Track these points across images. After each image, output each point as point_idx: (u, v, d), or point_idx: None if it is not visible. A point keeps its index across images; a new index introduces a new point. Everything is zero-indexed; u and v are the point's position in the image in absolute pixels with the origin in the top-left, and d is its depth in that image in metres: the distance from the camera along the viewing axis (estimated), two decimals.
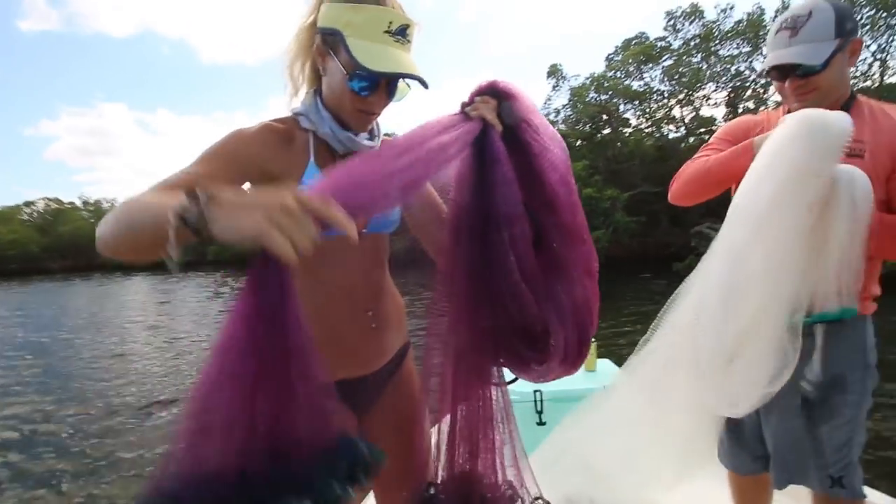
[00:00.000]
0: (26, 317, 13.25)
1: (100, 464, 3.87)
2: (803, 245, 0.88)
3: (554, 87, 18.78)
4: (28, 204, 45.34)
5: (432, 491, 0.84)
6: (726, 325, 0.91)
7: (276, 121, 0.91)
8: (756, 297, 0.89)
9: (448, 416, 0.85)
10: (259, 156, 0.84)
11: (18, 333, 10.47)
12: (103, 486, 3.50)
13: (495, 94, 0.86)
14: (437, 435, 0.86)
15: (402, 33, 0.85)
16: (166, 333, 9.29)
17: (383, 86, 0.87)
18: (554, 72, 18.71)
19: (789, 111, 1.17)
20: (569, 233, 0.84)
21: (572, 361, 0.84)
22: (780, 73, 1.12)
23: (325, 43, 0.86)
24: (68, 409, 5.28)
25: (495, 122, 0.83)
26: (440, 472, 0.86)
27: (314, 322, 0.73)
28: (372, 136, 0.97)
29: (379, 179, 0.64)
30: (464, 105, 0.85)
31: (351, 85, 0.85)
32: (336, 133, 0.90)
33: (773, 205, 0.89)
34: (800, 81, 1.09)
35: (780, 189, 0.88)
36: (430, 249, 0.99)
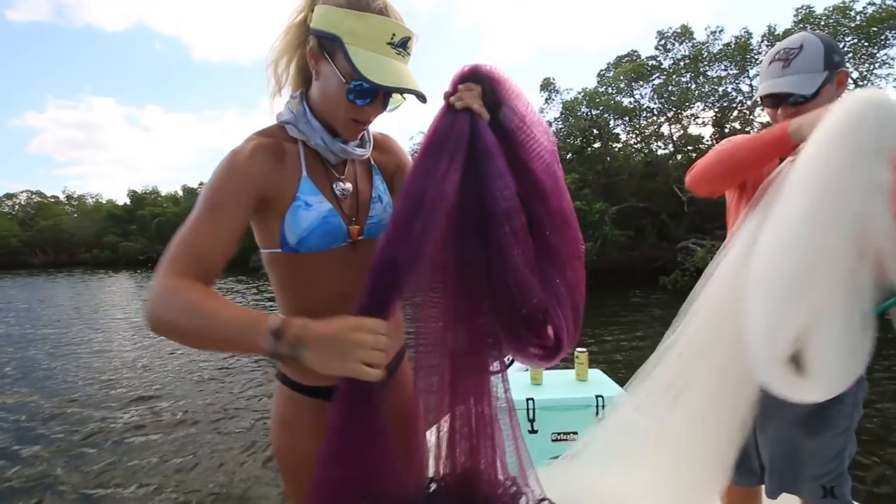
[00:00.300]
0: (9, 310, 12.93)
1: (81, 455, 3.83)
2: (858, 227, 0.84)
3: (546, 101, 19.02)
4: (9, 196, 44.35)
5: (433, 487, 0.86)
6: (790, 301, 0.86)
7: (263, 134, 0.89)
8: (824, 272, 0.85)
9: (448, 414, 0.87)
10: (258, 183, 0.83)
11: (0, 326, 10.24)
12: (82, 477, 3.47)
13: (478, 79, 0.83)
14: (437, 433, 0.88)
15: (403, 46, 0.83)
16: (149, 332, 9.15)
17: (380, 97, 0.86)
18: (546, 85, 18.94)
19: None
20: (558, 219, 0.85)
21: (569, 343, 0.85)
22: (773, 101, 1.18)
23: (321, 47, 0.84)
24: (50, 402, 5.19)
25: (482, 111, 0.80)
26: (441, 470, 0.88)
27: None
28: (363, 144, 0.96)
29: (411, 266, 0.74)
30: (448, 95, 0.82)
31: (349, 94, 0.83)
32: (328, 144, 0.89)
33: (837, 179, 0.85)
34: (791, 109, 1.16)
35: (846, 164, 0.85)
36: None
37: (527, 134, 0.84)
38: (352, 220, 0.93)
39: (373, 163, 1.01)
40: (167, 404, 5.11)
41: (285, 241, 0.87)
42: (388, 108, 0.90)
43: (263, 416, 4.59)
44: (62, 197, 45.44)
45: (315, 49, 0.84)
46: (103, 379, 6.10)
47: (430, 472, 0.89)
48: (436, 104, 0.85)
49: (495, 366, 0.87)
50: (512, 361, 0.89)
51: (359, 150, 0.94)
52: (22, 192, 44.73)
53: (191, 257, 0.76)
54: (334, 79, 0.83)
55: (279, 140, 0.88)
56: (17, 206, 43.26)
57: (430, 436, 0.89)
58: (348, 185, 0.94)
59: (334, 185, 0.92)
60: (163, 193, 40.97)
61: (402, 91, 0.83)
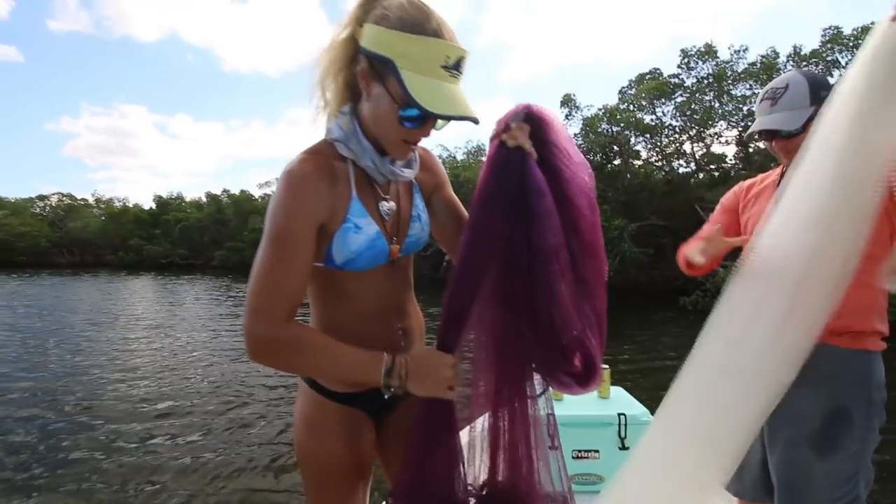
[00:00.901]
0: (40, 307, 13.31)
1: (106, 441, 3.94)
2: None
3: (567, 117, 19.05)
4: (42, 198, 45.87)
5: (482, 493, 0.90)
6: None
7: (314, 153, 0.89)
8: None
9: (484, 426, 0.90)
10: (319, 210, 0.85)
11: (33, 323, 10.52)
12: (95, 470, 3.54)
13: (528, 118, 0.84)
14: (479, 446, 0.92)
15: (457, 67, 0.81)
16: (170, 332, 9.36)
17: (432, 119, 0.85)
18: (567, 101, 18.99)
19: (783, 170, 1.35)
20: (591, 253, 0.88)
21: (598, 370, 0.89)
22: (767, 135, 1.31)
23: (372, 68, 0.82)
24: (72, 396, 5.36)
25: (532, 150, 0.82)
26: (483, 480, 0.91)
27: (351, 341, 0.86)
28: (409, 164, 0.97)
29: (474, 307, 0.85)
30: (499, 132, 0.84)
31: (401, 118, 0.82)
32: (378, 166, 0.89)
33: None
34: (784, 142, 1.28)
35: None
36: (454, 257, 1.00)
37: (571, 172, 0.87)
38: (393, 239, 0.95)
39: (414, 181, 1.02)
40: (186, 398, 5.25)
41: (331, 259, 0.89)
42: (437, 127, 0.90)
43: (277, 410, 4.65)
44: (91, 200, 46.87)
45: (366, 70, 0.83)
46: (121, 377, 6.27)
47: (472, 480, 0.92)
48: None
49: (537, 388, 0.90)
50: (543, 391, 0.92)
51: (406, 172, 0.95)
52: (54, 194, 46.24)
53: (280, 299, 0.81)
54: (386, 101, 0.82)
55: (329, 159, 0.89)
56: (48, 208, 44.72)
57: (471, 447, 0.93)
58: (393, 205, 0.95)
59: (379, 205, 0.93)
60: (187, 199, 41.94)
61: (458, 119, 0.82)
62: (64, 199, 45.73)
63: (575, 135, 18.72)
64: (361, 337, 0.90)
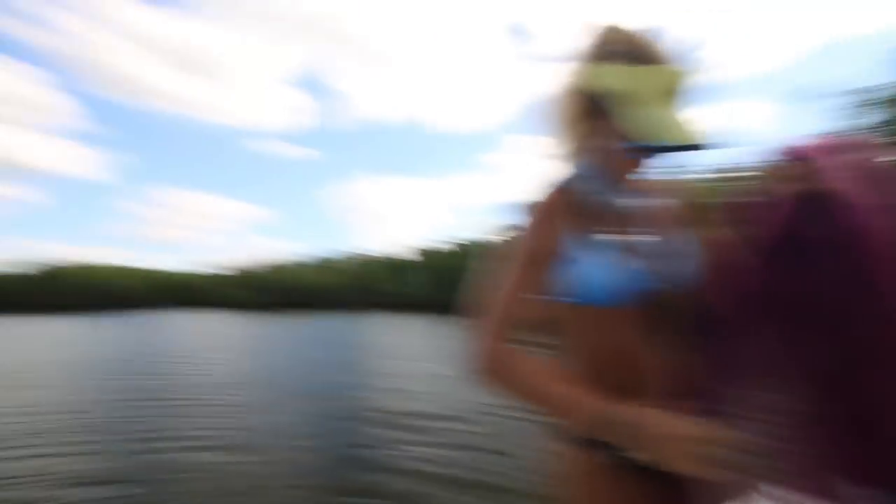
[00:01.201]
0: (325, 341, 16.76)
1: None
2: None
3: (857, 105, 14.85)
4: (329, 255, 59.56)
5: None
6: None
7: (554, 189, 0.93)
8: None
9: None
10: (558, 241, 0.88)
11: (321, 353, 13.12)
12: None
13: (798, 157, 0.75)
14: None
15: (680, 90, 0.81)
16: (418, 360, 10.65)
17: (658, 149, 0.85)
18: (847, 87, 14.86)
19: None
20: None
21: None
22: None
23: (595, 104, 0.86)
24: (344, 407, 6.48)
25: (812, 194, 0.70)
26: None
27: (585, 380, 0.85)
28: (646, 196, 0.96)
29: (732, 371, 0.76)
30: (764, 176, 0.76)
31: (627, 151, 0.84)
32: (610, 198, 0.90)
33: None
34: None
35: None
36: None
37: (870, 216, 0.69)
38: (633, 274, 0.90)
39: (655, 214, 0.97)
40: (435, 420, 5.83)
41: (569, 292, 0.90)
42: (663, 155, 0.89)
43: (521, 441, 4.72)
44: (362, 254, 58.40)
45: (591, 106, 0.87)
46: (388, 392, 7.39)
47: None
48: None
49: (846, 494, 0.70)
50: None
51: (639, 203, 0.94)
52: (335, 251, 59.65)
53: (506, 323, 0.86)
54: (612, 136, 0.85)
55: (569, 193, 0.92)
56: (337, 263, 57.59)
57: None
58: (630, 238, 0.92)
59: (616, 238, 0.91)
60: (437, 248, 48.23)
61: (684, 149, 0.81)
62: (346, 254, 58.59)
63: (879, 123, 14.37)
64: (596, 376, 0.88)
